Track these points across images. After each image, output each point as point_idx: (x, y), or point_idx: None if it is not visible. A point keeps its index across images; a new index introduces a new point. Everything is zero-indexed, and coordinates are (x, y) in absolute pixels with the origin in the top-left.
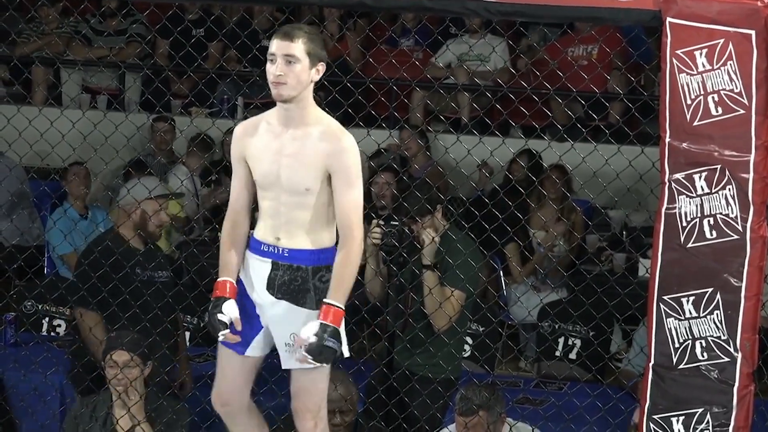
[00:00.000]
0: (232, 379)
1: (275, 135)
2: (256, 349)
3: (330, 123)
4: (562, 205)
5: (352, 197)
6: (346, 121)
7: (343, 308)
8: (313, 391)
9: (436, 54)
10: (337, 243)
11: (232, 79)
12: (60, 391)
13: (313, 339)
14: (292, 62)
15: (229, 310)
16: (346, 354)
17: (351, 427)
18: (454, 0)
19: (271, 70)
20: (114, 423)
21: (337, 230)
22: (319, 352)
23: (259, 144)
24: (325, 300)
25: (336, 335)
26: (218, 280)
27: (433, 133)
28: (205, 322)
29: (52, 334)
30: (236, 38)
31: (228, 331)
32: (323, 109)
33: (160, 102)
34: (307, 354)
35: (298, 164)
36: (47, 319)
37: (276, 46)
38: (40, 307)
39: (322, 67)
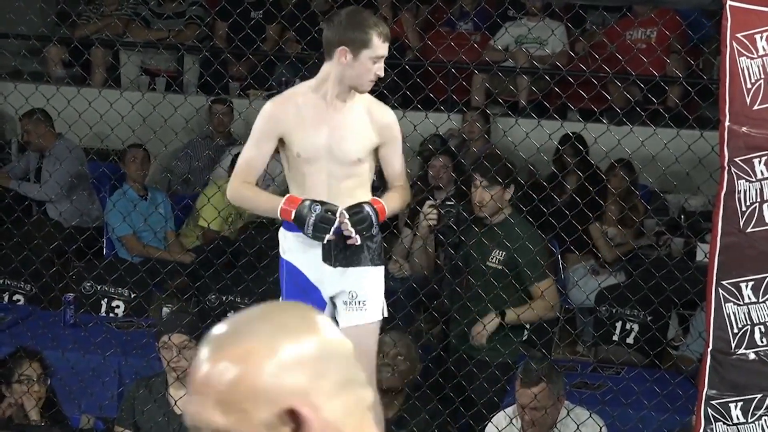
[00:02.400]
0: None
1: (321, 109)
2: None
3: (372, 99)
4: (627, 201)
5: (401, 162)
6: (404, 104)
7: (385, 211)
8: (369, 348)
9: (494, 36)
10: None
11: (291, 61)
12: (118, 372)
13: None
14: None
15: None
16: (384, 314)
17: (407, 381)
18: None
19: (376, 70)
20: (171, 404)
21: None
22: (356, 212)
23: (303, 119)
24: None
25: (377, 219)
26: (284, 199)
27: (492, 117)
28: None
29: (111, 315)
30: (295, 20)
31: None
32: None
33: (218, 84)
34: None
35: (350, 135)
36: (106, 300)
37: (384, 50)
38: (99, 288)
39: None
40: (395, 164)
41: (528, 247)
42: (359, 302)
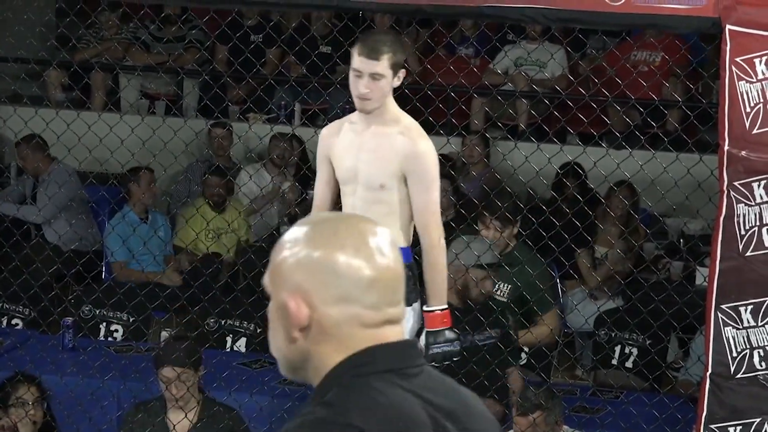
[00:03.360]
0: None
1: (357, 133)
2: None
3: (409, 124)
4: (628, 223)
5: (428, 199)
6: None
7: (445, 308)
8: None
9: (494, 60)
10: (413, 244)
11: (290, 84)
12: (117, 396)
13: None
14: (378, 79)
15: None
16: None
17: None
18: (512, 7)
19: (356, 85)
20: (170, 428)
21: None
22: (431, 359)
23: (343, 142)
24: (424, 309)
25: (444, 337)
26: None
27: (491, 140)
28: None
29: (110, 339)
30: (295, 44)
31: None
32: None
33: (218, 108)
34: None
35: (375, 160)
36: (105, 324)
37: (362, 63)
38: (97, 312)
39: (402, 74)
40: (417, 200)
41: (535, 282)
42: None
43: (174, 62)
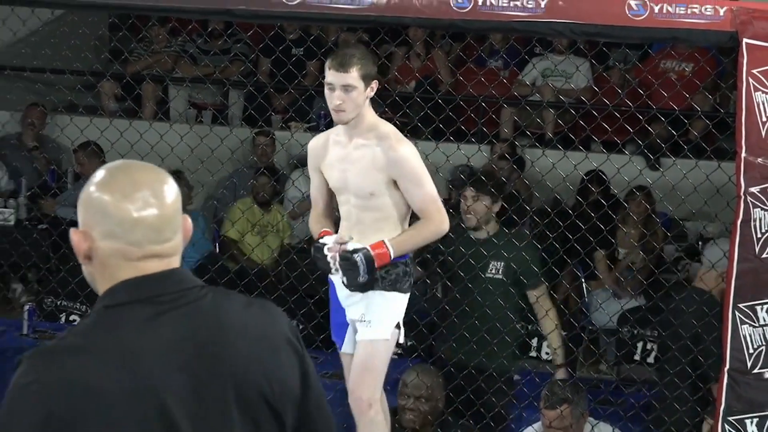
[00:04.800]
0: (348, 374)
1: (342, 146)
2: (350, 344)
3: (385, 132)
4: (647, 225)
5: (423, 193)
6: (436, 136)
7: (392, 256)
8: (369, 365)
9: (522, 72)
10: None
11: None
12: None
13: (350, 248)
14: (349, 90)
15: (327, 240)
16: (400, 340)
17: (434, 417)
18: (540, 21)
19: (331, 98)
20: None
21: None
22: (345, 258)
23: (331, 155)
24: (383, 240)
25: (370, 265)
26: (318, 233)
27: (519, 148)
28: (303, 324)
29: None
30: None
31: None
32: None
33: (261, 117)
34: (337, 257)
35: (360, 171)
36: None
37: (333, 77)
38: None
39: (375, 84)
40: (413, 198)
41: (525, 257)
42: (366, 321)
43: (220, 74)
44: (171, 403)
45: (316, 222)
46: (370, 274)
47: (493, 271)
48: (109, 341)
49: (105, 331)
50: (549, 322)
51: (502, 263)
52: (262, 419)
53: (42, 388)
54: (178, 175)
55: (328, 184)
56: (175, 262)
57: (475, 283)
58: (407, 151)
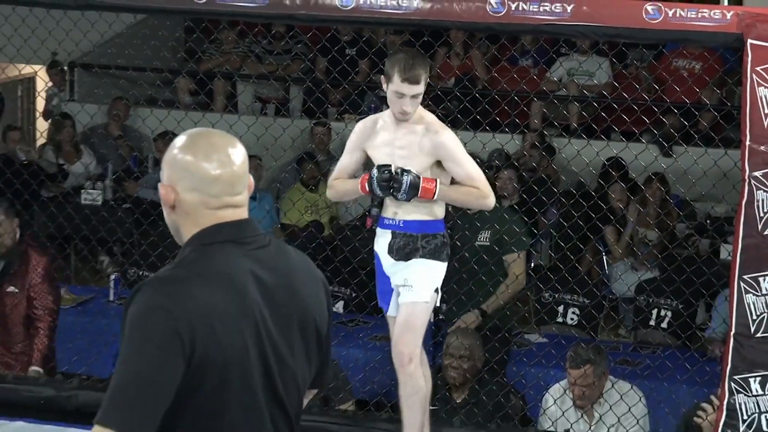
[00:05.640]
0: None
1: (389, 131)
2: (393, 309)
3: (430, 120)
4: (662, 207)
5: (467, 170)
6: (474, 126)
7: (435, 195)
8: (411, 324)
9: (550, 70)
10: (446, 216)
11: (379, 90)
12: None
13: (385, 174)
14: (416, 97)
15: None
16: (437, 303)
17: (473, 375)
18: (567, 24)
19: (399, 104)
20: None
21: (448, 205)
22: (398, 173)
23: (379, 138)
24: (437, 179)
25: (413, 188)
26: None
27: (548, 137)
28: (356, 292)
29: None
30: (383, 56)
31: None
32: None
33: (319, 109)
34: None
35: (409, 155)
36: None
37: (405, 89)
38: None
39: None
40: (459, 173)
41: (512, 228)
42: (409, 285)
43: (282, 71)
44: (259, 321)
45: (342, 180)
46: (408, 193)
47: (482, 239)
48: (214, 270)
49: (208, 263)
50: (514, 285)
51: (489, 232)
52: (311, 341)
53: (166, 307)
54: (252, 160)
55: (355, 167)
56: (245, 212)
57: (470, 250)
58: (448, 135)
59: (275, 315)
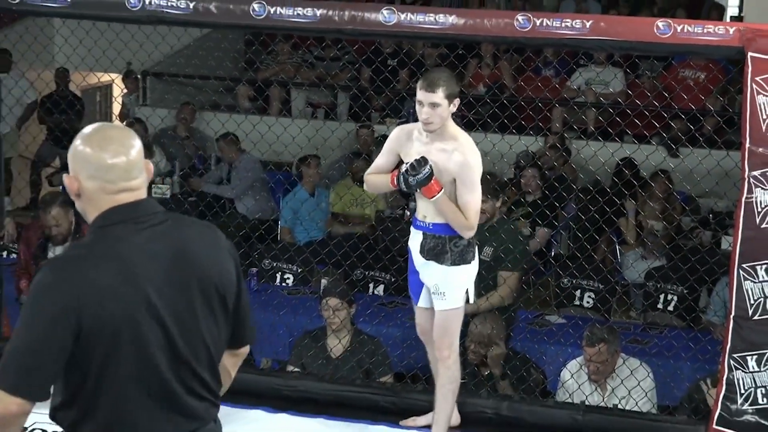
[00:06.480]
0: (425, 320)
1: (423, 144)
2: (424, 300)
3: (463, 141)
4: (668, 201)
5: (467, 198)
6: (502, 129)
7: (437, 194)
8: (447, 327)
9: (570, 79)
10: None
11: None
12: (289, 327)
13: (415, 162)
14: (435, 107)
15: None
16: (470, 300)
17: (498, 360)
18: (586, 39)
19: (420, 112)
20: (328, 350)
21: None
22: (414, 166)
23: (414, 147)
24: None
25: (423, 181)
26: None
27: (568, 139)
28: (395, 277)
29: (283, 284)
30: (421, 66)
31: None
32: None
33: (364, 114)
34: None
35: (436, 168)
36: (280, 273)
37: (422, 96)
38: (275, 264)
39: (457, 101)
40: (462, 198)
41: (509, 247)
42: (441, 293)
43: (331, 79)
44: (151, 292)
45: (375, 174)
46: (417, 183)
47: (485, 255)
48: (106, 249)
49: (102, 243)
50: (494, 297)
51: (492, 248)
52: (215, 303)
53: (57, 286)
54: (312, 159)
55: (388, 167)
56: (142, 194)
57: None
58: (475, 161)
59: (172, 282)
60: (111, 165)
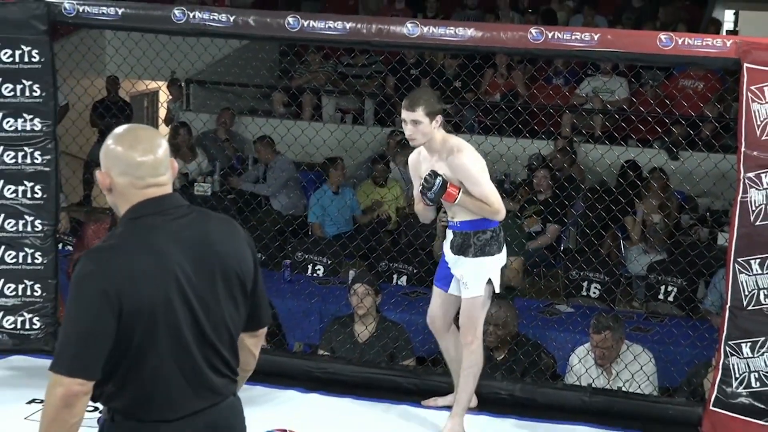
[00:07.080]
0: (437, 307)
1: (429, 161)
2: (453, 288)
3: (453, 144)
4: (667, 198)
5: (482, 190)
6: (516, 133)
7: (457, 200)
8: (470, 315)
9: (579, 87)
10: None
11: None
12: (319, 314)
13: (427, 177)
14: (417, 124)
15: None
16: (497, 290)
17: (511, 337)
18: (594, 50)
19: (405, 129)
20: (356, 335)
21: None
22: (424, 184)
23: (423, 167)
24: (460, 189)
25: (439, 191)
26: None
27: (576, 143)
28: (417, 269)
29: (314, 275)
30: (442, 75)
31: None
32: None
33: (388, 119)
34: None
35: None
36: (311, 264)
37: (404, 114)
38: (306, 256)
39: (440, 118)
40: (476, 192)
41: (508, 234)
42: (464, 283)
43: (359, 87)
44: (180, 276)
45: (417, 204)
46: (435, 195)
47: None
48: (138, 240)
49: (134, 234)
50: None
51: None
52: (236, 288)
53: (98, 274)
54: (337, 161)
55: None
56: (168, 189)
57: None
58: (467, 158)
59: (198, 269)
60: (140, 162)
